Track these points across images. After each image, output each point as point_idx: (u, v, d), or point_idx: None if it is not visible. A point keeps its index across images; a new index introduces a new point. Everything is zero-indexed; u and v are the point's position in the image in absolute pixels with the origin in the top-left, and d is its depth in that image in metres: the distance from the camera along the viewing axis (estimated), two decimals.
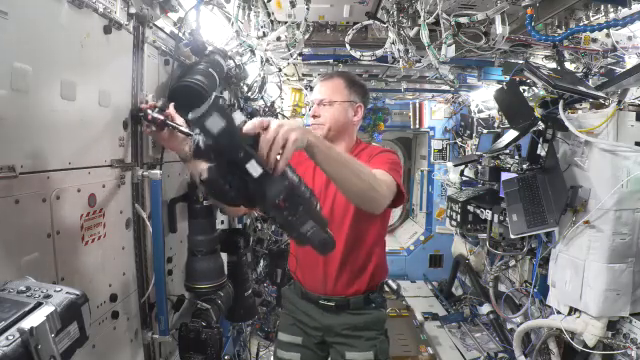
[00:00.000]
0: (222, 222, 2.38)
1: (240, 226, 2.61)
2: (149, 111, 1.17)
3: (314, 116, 1.52)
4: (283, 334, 1.65)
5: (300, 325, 1.61)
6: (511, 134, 2.51)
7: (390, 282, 1.66)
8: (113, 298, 1.23)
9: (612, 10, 1.68)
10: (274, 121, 0.86)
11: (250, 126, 0.81)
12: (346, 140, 1.55)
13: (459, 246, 3.99)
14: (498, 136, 3.22)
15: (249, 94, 2.38)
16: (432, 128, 4.97)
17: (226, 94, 2.12)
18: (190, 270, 1.55)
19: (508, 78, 2.78)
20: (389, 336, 1.63)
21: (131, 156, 1.34)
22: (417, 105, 4.92)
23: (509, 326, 3.11)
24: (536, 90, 2.63)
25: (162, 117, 1.17)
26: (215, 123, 0.74)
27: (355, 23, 2.21)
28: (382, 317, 1.58)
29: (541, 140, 2.43)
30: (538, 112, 2.32)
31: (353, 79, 1.57)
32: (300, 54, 2.67)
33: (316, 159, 0.98)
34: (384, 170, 1.29)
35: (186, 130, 1.16)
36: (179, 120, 1.32)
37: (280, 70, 2.59)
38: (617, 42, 2.20)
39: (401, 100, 4.85)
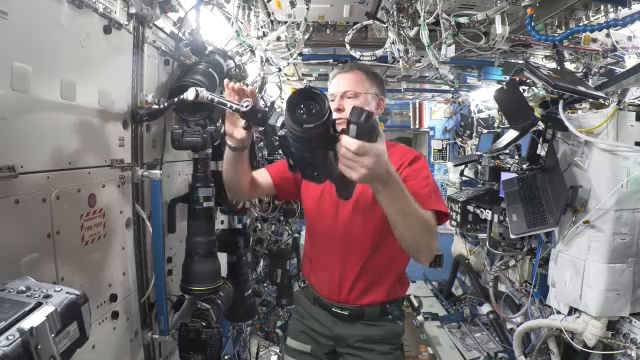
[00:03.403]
0: (222, 222, 2.38)
1: (240, 226, 2.61)
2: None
3: (339, 109, 1.39)
4: (292, 340, 1.58)
5: (310, 332, 1.53)
6: (511, 134, 2.51)
7: (412, 298, 1.60)
8: (113, 298, 1.23)
9: (612, 10, 1.68)
10: (373, 150, 0.85)
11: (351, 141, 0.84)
12: None
13: (459, 246, 3.99)
14: (498, 136, 3.22)
15: None
16: (432, 128, 4.97)
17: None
18: (186, 271, 1.53)
19: (508, 78, 2.78)
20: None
21: (131, 156, 1.35)
22: (417, 105, 4.93)
23: (509, 326, 3.11)
24: (536, 90, 2.63)
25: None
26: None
27: (355, 23, 2.21)
28: (398, 330, 1.48)
29: (541, 140, 2.43)
30: (538, 112, 2.32)
31: (372, 71, 1.47)
32: (300, 54, 2.66)
33: (379, 198, 0.99)
34: (432, 208, 1.22)
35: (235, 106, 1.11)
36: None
37: (280, 70, 2.59)
38: (617, 42, 2.20)
39: (401, 100, 4.85)
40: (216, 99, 1.14)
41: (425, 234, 1.13)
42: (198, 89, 1.16)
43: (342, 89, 1.40)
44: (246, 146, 1.27)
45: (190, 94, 1.17)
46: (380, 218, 1.33)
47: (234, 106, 1.10)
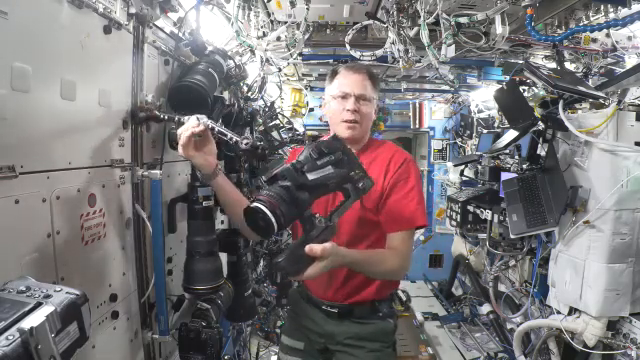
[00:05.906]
0: (222, 222, 2.38)
1: None
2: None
3: (355, 111, 1.37)
4: (286, 337, 1.61)
5: (303, 330, 1.56)
6: (511, 134, 2.51)
7: (400, 292, 1.61)
8: (113, 298, 1.23)
9: (612, 10, 1.68)
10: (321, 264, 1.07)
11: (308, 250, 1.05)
12: (364, 138, 1.49)
13: (459, 246, 3.99)
14: (498, 136, 3.22)
15: (249, 94, 2.38)
16: (432, 128, 4.97)
17: (226, 94, 2.12)
18: (188, 271, 1.53)
19: (508, 78, 2.78)
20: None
21: (131, 156, 1.34)
22: (417, 105, 4.92)
23: (509, 326, 3.11)
24: (536, 90, 2.63)
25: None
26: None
27: (355, 23, 2.21)
28: (388, 328, 1.49)
29: (541, 140, 2.43)
30: (538, 112, 2.32)
31: (375, 74, 1.49)
32: (300, 54, 2.66)
33: None
34: (412, 227, 1.36)
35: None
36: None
37: (280, 70, 2.59)
38: (617, 42, 2.20)
39: (401, 100, 4.85)
40: (217, 128, 1.20)
41: (388, 275, 1.36)
42: (199, 116, 1.21)
43: (358, 91, 1.39)
44: (215, 174, 1.31)
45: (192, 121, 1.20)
46: (369, 220, 1.39)
47: (234, 138, 1.21)
